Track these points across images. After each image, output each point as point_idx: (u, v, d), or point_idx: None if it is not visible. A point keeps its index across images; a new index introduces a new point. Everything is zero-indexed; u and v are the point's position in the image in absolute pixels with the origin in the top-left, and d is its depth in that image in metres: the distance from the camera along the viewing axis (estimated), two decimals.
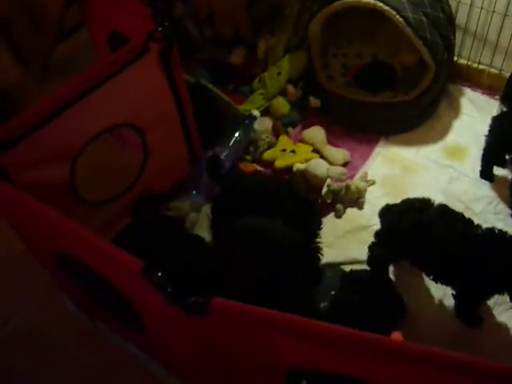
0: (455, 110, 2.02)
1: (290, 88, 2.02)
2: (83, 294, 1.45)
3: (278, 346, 0.94)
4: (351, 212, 1.74)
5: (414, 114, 1.96)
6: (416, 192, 1.59)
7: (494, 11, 1.90)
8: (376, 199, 1.74)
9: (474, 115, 1.99)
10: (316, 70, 2.00)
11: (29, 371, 1.47)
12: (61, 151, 1.39)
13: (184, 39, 1.95)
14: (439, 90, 1.93)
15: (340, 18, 1.90)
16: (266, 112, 1.98)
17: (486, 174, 1.78)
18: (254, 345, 0.99)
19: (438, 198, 1.45)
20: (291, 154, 1.86)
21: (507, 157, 1.75)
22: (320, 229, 1.52)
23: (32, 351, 1.50)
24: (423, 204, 1.42)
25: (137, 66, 1.46)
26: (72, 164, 1.43)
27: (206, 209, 1.72)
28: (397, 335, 1.06)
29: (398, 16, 1.73)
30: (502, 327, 1.45)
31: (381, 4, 1.73)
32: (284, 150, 1.88)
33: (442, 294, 1.49)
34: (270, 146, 1.91)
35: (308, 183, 1.79)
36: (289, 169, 1.82)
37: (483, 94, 2.06)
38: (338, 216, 1.73)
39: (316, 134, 1.92)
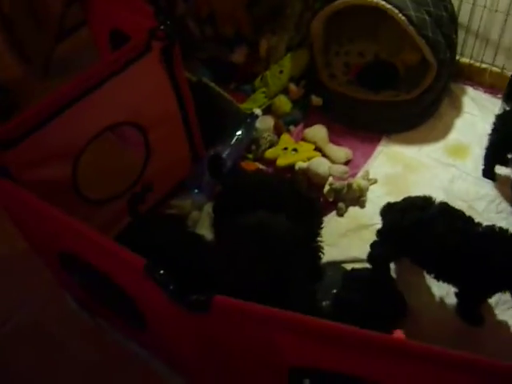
0: (457, 109, 2.02)
1: (292, 86, 2.02)
2: (85, 292, 1.45)
3: (280, 343, 0.94)
4: (353, 210, 1.74)
5: (416, 113, 1.96)
6: (418, 191, 1.59)
7: (496, 10, 1.90)
8: (378, 198, 1.74)
9: (476, 114, 1.99)
10: (318, 68, 2.00)
11: (30, 368, 1.48)
12: (63, 150, 1.39)
13: (185, 38, 1.95)
14: (441, 88, 1.93)
15: (342, 16, 1.90)
16: (267, 110, 1.98)
17: (489, 172, 1.78)
18: (255, 343, 0.99)
19: (439, 197, 1.45)
20: (293, 152, 1.86)
21: (510, 156, 1.75)
22: (321, 228, 1.52)
23: (34, 348, 1.51)
24: (424, 202, 1.42)
25: (139, 65, 1.46)
26: (74, 162, 1.43)
27: (208, 207, 1.72)
28: (398, 334, 1.06)
29: (400, 14, 1.73)
30: (504, 326, 1.45)
31: (383, 2, 1.73)
32: (286, 149, 1.88)
33: (444, 292, 1.50)
34: (272, 145, 1.91)
35: (310, 182, 1.79)
36: (291, 167, 1.82)
37: (485, 92, 2.06)
38: (340, 214, 1.73)
39: (318, 132, 1.92)
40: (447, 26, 1.82)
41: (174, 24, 1.47)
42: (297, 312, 0.89)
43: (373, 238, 1.53)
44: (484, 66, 2.05)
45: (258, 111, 1.89)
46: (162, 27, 1.45)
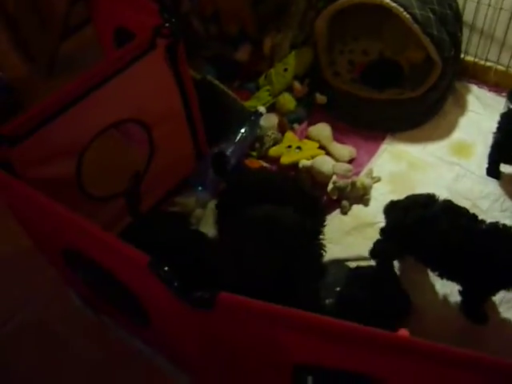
0: (462, 107, 2.02)
1: (296, 84, 2.02)
2: (89, 289, 1.45)
3: (285, 341, 0.94)
4: (357, 209, 1.74)
5: (421, 111, 1.95)
6: (422, 189, 1.59)
7: (501, 8, 1.90)
8: (382, 196, 1.74)
9: (481, 112, 1.99)
10: (322, 66, 2.00)
11: (34, 366, 1.48)
12: (67, 147, 1.39)
13: (190, 35, 1.95)
14: (446, 87, 1.93)
15: (346, 14, 1.90)
16: (271, 108, 1.98)
17: (493, 171, 1.78)
18: (260, 340, 0.99)
19: (443, 195, 1.45)
20: (297, 150, 1.86)
21: None
22: (324, 226, 1.52)
23: (37, 346, 1.51)
24: (428, 200, 1.42)
25: (143, 62, 1.46)
26: (78, 159, 1.43)
27: (212, 205, 1.71)
28: (403, 332, 1.06)
29: (405, 13, 1.72)
30: (508, 324, 1.44)
31: (388, 0, 1.73)
32: (290, 147, 1.88)
33: (447, 290, 1.49)
34: (276, 143, 1.91)
35: (314, 180, 1.79)
36: (295, 165, 1.82)
37: (490, 91, 2.06)
38: (344, 213, 1.73)
39: (322, 130, 1.92)
40: (452, 24, 1.81)
41: (178, 22, 1.47)
42: (303, 308, 0.89)
43: (376, 236, 1.53)
44: (489, 64, 2.05)
45: (262, 109, 1.90)
46: (166, 25, 1.46)
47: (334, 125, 1.95)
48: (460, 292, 1.44)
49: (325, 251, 1.51)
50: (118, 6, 1.60)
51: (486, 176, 1.79)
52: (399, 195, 1.52)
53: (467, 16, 1.98)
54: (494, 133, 1.73)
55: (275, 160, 1.87)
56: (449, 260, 1.36)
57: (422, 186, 1.75)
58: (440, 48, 1.77)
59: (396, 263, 1.55)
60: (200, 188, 1.77)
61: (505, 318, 1.45)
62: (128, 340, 1.48)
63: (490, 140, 1.77)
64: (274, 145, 1.90)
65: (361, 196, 1.75)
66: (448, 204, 1.41)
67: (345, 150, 1.87)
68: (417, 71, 1.97)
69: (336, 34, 2.02)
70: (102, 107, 1.42)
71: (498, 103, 1.97)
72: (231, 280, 1.19)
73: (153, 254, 1.01)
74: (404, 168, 1.84)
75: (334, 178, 1.74)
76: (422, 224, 1.37)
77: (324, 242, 1.49)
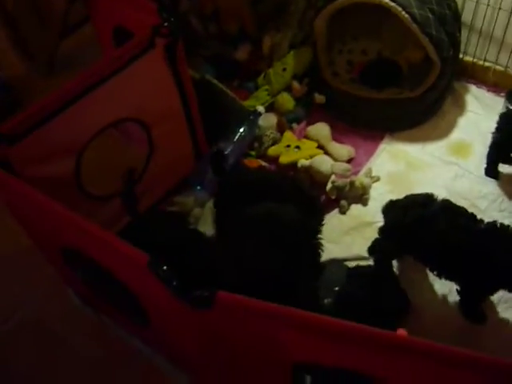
0: (460, 107, 2.02)
1: (295, 84, 2.02)
2: (88, 288, 1.45)
3: (284, 340, 0.94)
4: (355, 208, 1.74)
5: (419, 111, 1.96)
6: (420, 189, 1.59)
7: (500, 8, 1.90)
8: (380, 195, 1.74)
9: (479, 112, 1.99)
10: (321, 66, 2.00)
11: (33, 364, 1.48)
12: (66, 146, 1.39)
13: (189, 35, 1.95)
14: (444, 87, 1.93)
15: (345, 14, 1.90)
16: (270, 108, 1.98)
17: (491, 171, 1.78)
18: (259, 339, 0.99)
19: (442, 195, 1.45)
20: (296, 150, 1.86)
21: None
22: (322, 225, 1.52)
23: (36, 344, 1.51)
24: (426, 199, 1.42)
25: (142, 61, 1.46)
26: (77, 158, 1.43)
27: (211, 204, 1.71)
28: (401, 332, 1.06)
29: (404, 12, 1.72)
30: (506, 324, 1.45)
31: (387, 0, 1.73)
32: (288, 146, 1.88)
33: (446, 289, 1.50)
34: (275, 142, 1.91)
35: (312, 179, 1.79)
36: (293, 165, 1.82)
37: (488, 91, 2.06)
38: (343, 212, 1.73)
39: (321, 130, 1.92)
40: (451, 24, 1.82)
41: (177, 21, 1.47)
42: (302, 307, 0.89)
43: (375, 235, 1.54)
44: (487, 64, 2.05)
45: (260, 108, 1.90)
46: (165, 24, 1.45)
47: (333, 124, 1.95)
48: (458, 291, 1.44)
49: (322, 250, 1.52)
50: (117, 5, 1.60)
51: (484, 176, 1.79)
52: (398, 195, 1.53)
53: (466, 16, 1.98)
54: (493, 133, 1.74)
55: (274, 159, 1.87)
56: (447, 259, 1.36)
57: (421, 185, 1.75)
58: (439, 48, 1.77)
59: (395, 263, 1.56)
60: (199, 187, 1.77)
61: (503, 318, 1.45)
62: (127, 339, 1.48)
63: (488, 140, 1.77)
64: (272, 144, 1.90)
65: (359, 196, 1.75)
66: (446, 204, 1.41)
67: (343, 150, 1.87)
68: (415, 71, 1.97)
69: (335, 34, 2.02)
70: (100, 106, 1.42)
71: (497, 103, 1.98)
72: (231, 279, 1.19)
73: (151, 254, 1.01)
74: (403, 168, 1.85)
75: (333, 177, 1.74)
76: (420, 223, 1.37)
77: (322, 241, 1.50)
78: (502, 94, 1.96)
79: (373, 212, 1.70)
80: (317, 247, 1.50)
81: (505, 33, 1.95)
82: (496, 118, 1.73)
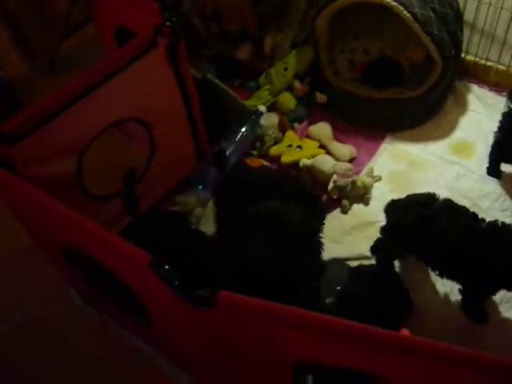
0: (462, 107, 2.02)
1: (297, 83, 2.02)
2: (89, 288, 1.46)
3: (285, 339, 0.94)
4: (357, 208, 1.74)
5: (421, 111, 1.95)
6: (422, 188, 1.59)
7: (502, 7, 1.90)
8: (382, 195, 1.74)
9: (481, 112, 1.99)
10: (323, 65, 2.00)
11: (34, 364, 1.48)
12: (68, 145, 1.39)
13: (190, 34, 1.95)
14: (446, 86, 1.93)
15: (347, 13, 1.90)
16: (272, 107, 1.98)
17: (493, 170, 1.78)
18: (260, 338, 0.99)
19: (444, 195, 1.45)
20: (297, 149, 1.86)
21: None
22: (323, 224, 1.52)
23: (37, 344, 1.51)
24: (428, 199, 1.42)
25: (144, 61, 1.46)
26: (79, 158, 1.43)
27: (212, 203, 1.72)
28: (404, 333, 1.06)
29: (405, 12, 1.72)
30: (508, 323, 1.44)
31: (388, 0, 1.73)
32: (290, 146, 1.88)
33: (448, 289, 1.49)
34: (277, 142, 1.91)
35: (314, 179, 1.79)
36: (295, 164, 1.82)
37: (490, 90, 2.06)
38: (344, 212, 1.73)
39: (322, 129, 1.92)
40: (452, 23, 1.81)
41: (179, 21, 1.47)
42: (303, 306, 0.89)
43: (377, 235, 1.54)
44: (489, 63, 2.05)
45: (262, 108, 1.90)
46: (167, 24, 1.46)
47: (335, 124, 1.95)
48: (460, 291, 1.44)
49: (323, 249, 1.52)
50: (118, 5, 1.60)
51: (486, 175, 1.79)
52: (400, 194, 1.52)
53: (468, 15, 1.98)
54: (495, 132, 1.73)
55: (276, 159, 1.87)
56: (449, 259, 1.36)
57: (423, 185, 1.75)
58: (440, 47, 1.77)
59: (397, 262, 1.55)
60: (200, 187, 1.77)
61: (505, 317, 1.45)
62: (129, 339, 1.48)
63: (490, 139, 1.77)
64: (274, 144, 1.90)
65: (361, 195, 1.75)
66: (448, 203, 1.41)
67: (345, 150, 1.87)
68: (417, 70, 1.97)
69: (337, 33, 2.01)
70: (102, 106, 1.42)
71: (499, 103, 1.97)
72: (232, 279, 1.19)
73: (153, 254, 1.01)
74: (404, 167, 1.84)
75: (335, 177, 1.74)
76: (422, 223, 1.37)
77: (324, 240, 1.50)
78: (504, 94, 1.96)
79: (374, 211, 1.70)
80: (318, 247, 1.50)
81: (507, 32, 1.94)
82: (498, 117, 1.73)
